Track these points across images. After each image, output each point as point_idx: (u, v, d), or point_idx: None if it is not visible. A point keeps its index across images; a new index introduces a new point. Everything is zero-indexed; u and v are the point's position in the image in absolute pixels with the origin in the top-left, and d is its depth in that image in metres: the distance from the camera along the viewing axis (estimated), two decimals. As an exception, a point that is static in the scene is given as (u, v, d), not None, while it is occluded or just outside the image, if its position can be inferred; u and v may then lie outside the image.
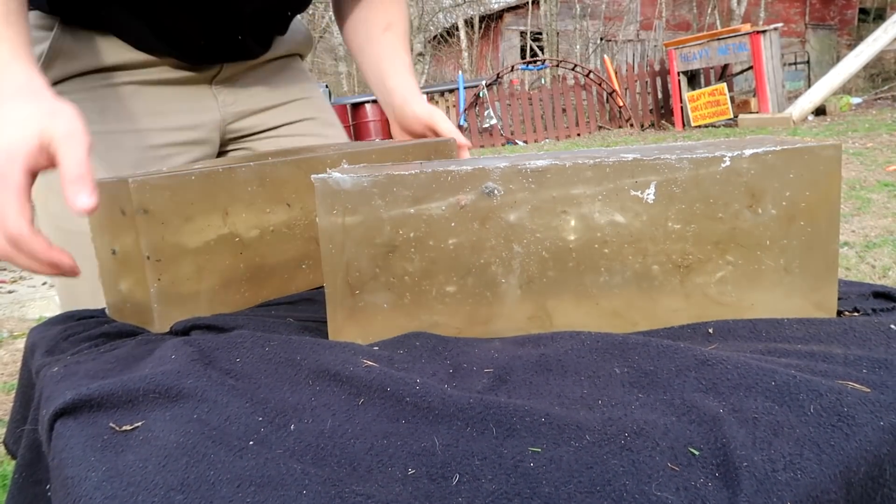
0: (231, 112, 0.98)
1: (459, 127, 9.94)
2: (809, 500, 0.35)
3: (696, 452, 0.38)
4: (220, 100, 0.97)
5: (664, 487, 0.36)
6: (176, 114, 0.93)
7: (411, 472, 0.39)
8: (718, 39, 8.54)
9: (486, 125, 10.03)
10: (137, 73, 0.90)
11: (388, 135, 6.14)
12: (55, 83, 0.84)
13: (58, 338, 0.66)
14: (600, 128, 9.78)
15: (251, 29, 0.93)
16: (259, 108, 1.01)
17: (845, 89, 9.39)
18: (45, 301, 3.36)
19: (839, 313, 0.59)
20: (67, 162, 0.56)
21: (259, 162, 0.70)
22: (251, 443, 0.42)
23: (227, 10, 0.88)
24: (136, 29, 0.87)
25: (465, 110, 10.07)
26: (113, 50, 0.87)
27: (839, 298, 0.59)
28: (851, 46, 11.52)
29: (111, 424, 0.44)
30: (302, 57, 1.09)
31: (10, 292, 3.63)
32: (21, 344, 2.72)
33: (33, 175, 0.58)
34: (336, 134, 1.08)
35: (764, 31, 8.26)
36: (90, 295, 0.79)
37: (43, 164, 0.58)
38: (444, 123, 0.92)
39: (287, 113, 1.04)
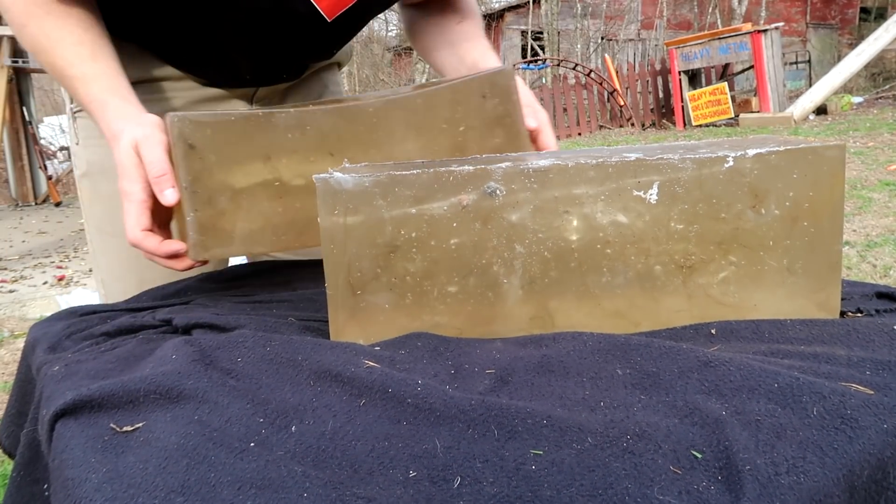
0: None
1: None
2: (813, 504, 0.35)
3: (699, 455, 0.38)
4: None
5: (667, 491, 0.35)
6: None
7: (412, 474, 0.38)
8: (719, 39, 8.54)
9: (487, 124, 10.00)
10: (180, 87, 0.92)
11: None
12: None
13: (60, 335, 0.66)
14: (601, 127, 9.77)
15: (294, 67, 0.96)
16: None
17: (846, 88, 9.38)
18: (46, 300, 3.36)
19: (842, 314, 0.59)
20: (147, 162, 0.65)
21: (298, 108, 0.70)
22: (252, 444, 0.42)
23: (277, 55, 0.89)
24: (184, 60, 0.89)
25: (466, 109, 10.06)
26: (156, 63, 0.90)
27: (842, 299, 0.59)
28: (852, 45, 11.50)
29: (112, 425, 0.44)
30: (340, 66, 1.09)
31: (10, 292, 3.63)
32: (21, 344, 2.72)
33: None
34: None
35: (765, 31, 8.26)
36: (122, 294, 0.85)
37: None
38: (526, 96, 0.81)
39: None
